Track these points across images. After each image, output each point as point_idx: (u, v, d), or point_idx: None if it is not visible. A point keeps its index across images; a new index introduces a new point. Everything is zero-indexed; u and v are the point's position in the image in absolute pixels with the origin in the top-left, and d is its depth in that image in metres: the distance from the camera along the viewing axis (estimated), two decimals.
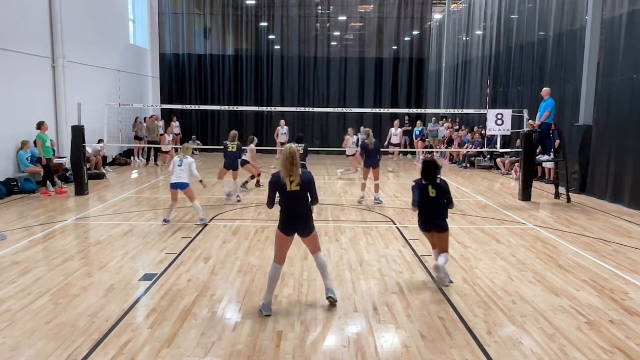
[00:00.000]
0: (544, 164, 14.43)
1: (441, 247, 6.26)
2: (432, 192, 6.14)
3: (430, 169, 6.18)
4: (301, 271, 6.76)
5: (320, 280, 6.38)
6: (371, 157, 11.23)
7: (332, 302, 5.60)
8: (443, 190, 6.17)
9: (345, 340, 4.85)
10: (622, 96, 11.55)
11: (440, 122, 22.34)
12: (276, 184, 5.36)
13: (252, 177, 13.22)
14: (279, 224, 5.45)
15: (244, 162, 12.33)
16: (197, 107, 20.37)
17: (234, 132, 12.02)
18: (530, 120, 12.77)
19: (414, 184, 6.32)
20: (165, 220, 9.38)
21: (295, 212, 5.41)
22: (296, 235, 5.56)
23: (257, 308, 5.53)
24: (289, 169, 5.28)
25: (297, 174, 5.30)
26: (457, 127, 21.26)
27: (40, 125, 12.21)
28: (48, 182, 12.27)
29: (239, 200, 11.48)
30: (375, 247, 8.04)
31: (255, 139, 13.35)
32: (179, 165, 9.22)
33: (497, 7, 18.88)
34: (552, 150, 13.16)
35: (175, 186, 9.21)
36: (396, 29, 23.76)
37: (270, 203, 5.50)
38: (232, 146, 11.63)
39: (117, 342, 4.72)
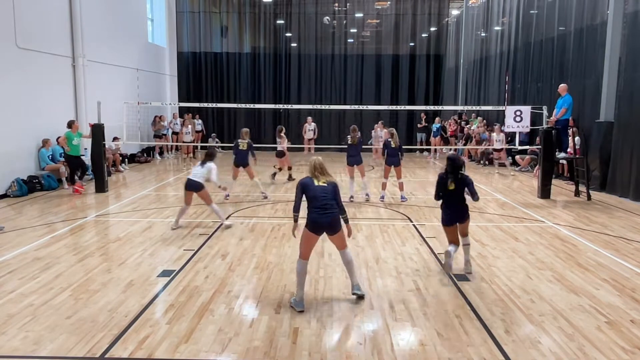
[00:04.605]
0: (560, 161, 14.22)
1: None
2: (451, 186, 6.36)
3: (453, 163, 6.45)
4: (317, 268, 6.77)
5: (336, 277, 6.43)
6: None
7: (360, 297, 5.70)
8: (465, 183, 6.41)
9: (361, 337, 4.85)
10: None
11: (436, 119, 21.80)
12: (303, 184, 5.57)
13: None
14: (308, 225, 5.48)
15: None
16: (214, 105, 20.45)
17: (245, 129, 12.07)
18: (549, 119, 12.60)
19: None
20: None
21: (325, 203, 5.43)
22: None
23: (274, 305, 5.56)
24: (318, 176, 5.61)
25: (326, 178, 5.62)
26: (466, 120, 21.06)
27: (70, 125, 12.43)
28: (76, 177, 12.52)
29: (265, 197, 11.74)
30: (392, 244, 8.02)
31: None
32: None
33: (517, 2, 18.62)
34: (567, 148, 12.95)
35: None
36: (413, 25, 23.61)
37: (295, 208, 5.62)
38: (242, 144, 11.62)
39: (136, 337, 4.79)
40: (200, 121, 21.62)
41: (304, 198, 5.59)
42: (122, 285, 6.16)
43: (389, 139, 11.34)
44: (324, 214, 5.41)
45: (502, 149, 17.05)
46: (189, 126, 19.88)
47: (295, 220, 5.66)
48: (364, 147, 12.07)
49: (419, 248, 7.82)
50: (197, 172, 8.95)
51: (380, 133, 17.90)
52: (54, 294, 5.84)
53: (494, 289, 6.09)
